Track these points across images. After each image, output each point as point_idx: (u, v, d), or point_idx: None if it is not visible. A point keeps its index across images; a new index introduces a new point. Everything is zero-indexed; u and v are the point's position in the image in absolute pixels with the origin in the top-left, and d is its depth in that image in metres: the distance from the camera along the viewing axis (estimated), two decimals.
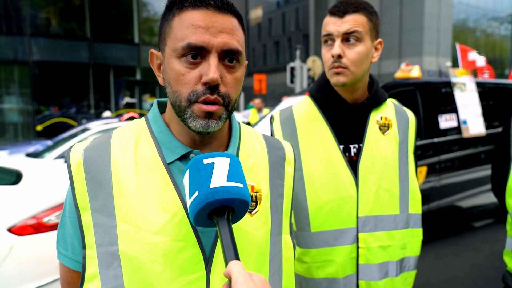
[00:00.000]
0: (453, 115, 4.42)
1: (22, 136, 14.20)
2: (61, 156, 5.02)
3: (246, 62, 0.86)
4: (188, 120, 0.75)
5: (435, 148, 4.20)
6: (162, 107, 0.88)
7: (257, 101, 9.70)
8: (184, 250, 0.73)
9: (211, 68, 0.72)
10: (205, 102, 0.74)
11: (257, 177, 0.85)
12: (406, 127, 1.42)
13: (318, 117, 1.37)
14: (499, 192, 1.73)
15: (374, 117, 1.36)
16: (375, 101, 1.38)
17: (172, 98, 0.77)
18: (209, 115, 0.74)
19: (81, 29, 15.33)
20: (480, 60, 5.78)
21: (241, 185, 0.66)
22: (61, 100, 15.28)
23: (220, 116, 0.76)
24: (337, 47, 1.26)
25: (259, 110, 9.51)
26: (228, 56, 0.75)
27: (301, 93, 5.29)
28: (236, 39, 0.75)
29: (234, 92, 0.77)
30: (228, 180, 0.66)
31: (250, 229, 0.80)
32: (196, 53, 0.73)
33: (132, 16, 16.37)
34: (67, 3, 15.27)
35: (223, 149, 0.85)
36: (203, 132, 0.76)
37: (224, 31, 0.74)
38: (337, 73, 1.28)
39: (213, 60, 0.73)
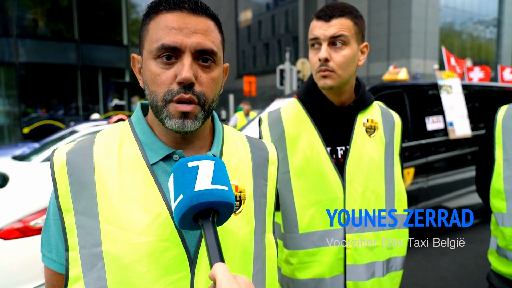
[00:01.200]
0: (440, 117, 4.49)
1: (8, 138, 13.96)
2: (48, 159, 4.95)
3: (227, 65, 0.88)
4: (164, 120, 0.77)
5: (422, 149, 4.26)
6: (145, 110, 0.90)
7: (246, 107, 9.76)
8: (168, 250, 0.74)
9: (185, 67, 0.74)
10: (180, 101, 0.75)
11: (241, 177, 0.86)
12: (392, 129, 1.45)
13: (305, 120, 1.39)
14: (483, 192, 1.76)
15: (361, 120, 1.39)
16: (361, 104, 1.40)
17: (150, 99, 0.79)
18: (184, 115, 0.76)
19: (69, 31, 15.16)
20: (459, 68, 5.91)
21: (225, 188, 0.67)
22: (48, 102, 15.08)
23: (196, 116, 0.77)
24: (323, 50, 1.28)
25: (246, 114, 9.54)
26: (202, 56, 0.77)
27: (291, 95, 5.32)
28: (210, 40, 0.77)
29: (210, 92, 0.79)
30: (213, 183, 0.66)
31: (235, 228, 0.82)
32: (170, 54, 0.75)
33: (121, 18, 16.25)
34: (55, 4, 15.09)
35: (206, 149, 0.86)
36: (181, 132, 0.78)
37: (197, 31, 0.76)
38: (324, 76, 1.31)
39: (186, 59, 0.74)
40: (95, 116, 11.40)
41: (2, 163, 5.02)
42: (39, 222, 2.56)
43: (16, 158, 5.45)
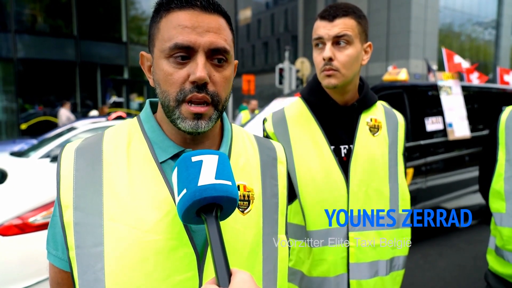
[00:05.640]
0: (439, 118, 4.50)
1: (6, 134, 13.91)
2: (46, 155, 4.94)
3: (236, 61, 0.87)
4: (177, 121, 0.76)
5: (421, 150, 4.27)
6: (154, 107, 0.88)
7: (253, 102, 9.80)
8: (177, 249, 0.73)
9: (199, 67, 0.73)
10: (193, 101, 0.74)
11: (249, 176, 0.86)
12: (396, 129, 1.45)
13: (309, 119, 1.39)
14: (486, 193, 1.77)
15: (364, 119, 1.39)
16: (365, 103, 1.41)
17: (161, 98, 0.77)
18: (198, 116, 0.75)
19: (68, 27, 15.09)
20: (464, 63, 5.89)
21: (229, 183, 0.67)
22: (46, 98, 15.02)
23: (210, 116, 0.76)
24: (327, 50, 1.29)
25: (252, 111, 9.55)
26: (215, 55, 0.76)
27: (290, 94, 5.32)
28: (223, 38, 0.76)
29: (223, 91, 0.78)
30: (216, 178, 0.66)
31: (242, 228, 0.81)
32: (184, 53, 0.74)
33: (120, 15, 16.18)
34: (54, 0, 15.02)
35: (215, 148, 0.85)
36: (193, 133, 0.76)
37: (210, 30, 0.75)
38: (328, 76, 1.31)
39: (200, 59, 0.73)
40: (94, 113, 11.38)
41: (0, 159, 5.00)
42: (38, 218, 2.55)
43: (14, 154, 5.44)
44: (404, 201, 1.43)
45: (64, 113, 10.90)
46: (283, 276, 0.91)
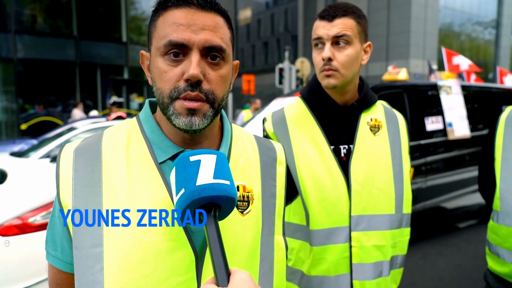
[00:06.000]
0: (439, 118, 4.49)
1: (6, 135, 13.91)
2: (46, 156, 4.94)
3: (237, 61, 0.86)
4: (171, 118, 0.75)
5: (421, 150, 4.27)
6: (153, 107, 0.88)
7: (258, 101, 9.84)
8: (176, 250, 0.73)
9: (192, 65, 0.72)
10: (187, 98, 0.74)
11: (248, 177, 0.85)
12: (397, 129, 1.45)
13: (309, 118, 1.39)
14: (485, 192, 1.78)
15: (365, 119, 1.39)
16: (365, 103, 1.41)
17: (157, 95, 0.77)
18: (191, 112, 0.74)
19: (68, 27, 15.09)
20: (464, 64, 5.89)
21: (227, 182, 0.66)
22: (46, 98, 15.02)
23: (205, 113, 0.75)
24: (327, 50, 1.29)
25: (255, 110, 9.57)
26: (211, 53, 0.75)
27: (290, 94, 5.31)
28: (219, 36, 0.76)
29: (219, 89, 0.77)
30: (214, 177, 0.65)
31: (242, 229, 0.80)
32: (178, 51, 0.74)
33: (120, 15, 16.19)
34: (54, 0, 15.01)
35: (215, 148, 0.85)
36: (188, 130, 0.76)
37: (206, 28, 0.74)
38: (328, 76, 1.31)
39: (194, 56, 0.73)
40: (93, 113, 11.39)
41: (0, 159, 5.00)
42: (37, 219, 2.55)
43: (14, 154, 5.44)
44: (408, 201, 1.43)
45: (78, 113, 11.10)
46: (280, 278, 0.90)
